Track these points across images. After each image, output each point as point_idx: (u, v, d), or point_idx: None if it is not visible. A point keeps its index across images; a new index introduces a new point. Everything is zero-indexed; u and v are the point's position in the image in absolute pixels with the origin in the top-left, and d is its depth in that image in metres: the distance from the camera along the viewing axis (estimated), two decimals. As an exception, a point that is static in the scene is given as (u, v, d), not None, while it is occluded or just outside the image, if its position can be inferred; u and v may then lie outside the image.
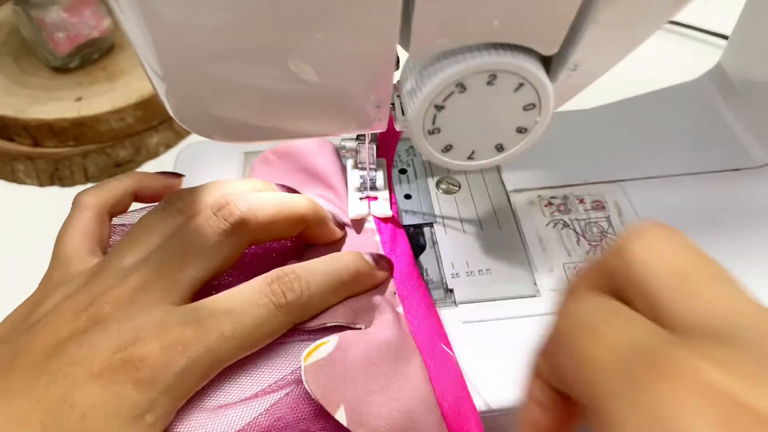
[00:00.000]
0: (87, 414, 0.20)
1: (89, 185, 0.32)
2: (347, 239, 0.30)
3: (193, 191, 0.27)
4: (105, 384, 0.21)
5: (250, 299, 0.24)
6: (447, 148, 0.22)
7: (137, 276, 0.23)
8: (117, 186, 0.28)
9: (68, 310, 0.23)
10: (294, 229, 0.27)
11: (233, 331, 0.23)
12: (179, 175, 0.31)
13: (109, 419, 0.21)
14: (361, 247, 0.29)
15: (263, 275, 0.24)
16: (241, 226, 0.25)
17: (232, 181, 0.28)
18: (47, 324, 0.23)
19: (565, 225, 0.34)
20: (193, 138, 0.48)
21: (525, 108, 0.21)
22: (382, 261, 0.28)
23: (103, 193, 0.28)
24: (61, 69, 0.49)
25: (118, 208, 0.28)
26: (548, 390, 0.19)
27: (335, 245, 0.29)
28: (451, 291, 0.30)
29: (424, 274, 0.31)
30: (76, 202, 0.28)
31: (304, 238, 0.29)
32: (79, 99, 0.47)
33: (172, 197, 0.27)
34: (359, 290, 0.27)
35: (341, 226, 0.30)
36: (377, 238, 0.30)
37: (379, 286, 0.28)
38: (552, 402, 0.19)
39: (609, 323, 0.16)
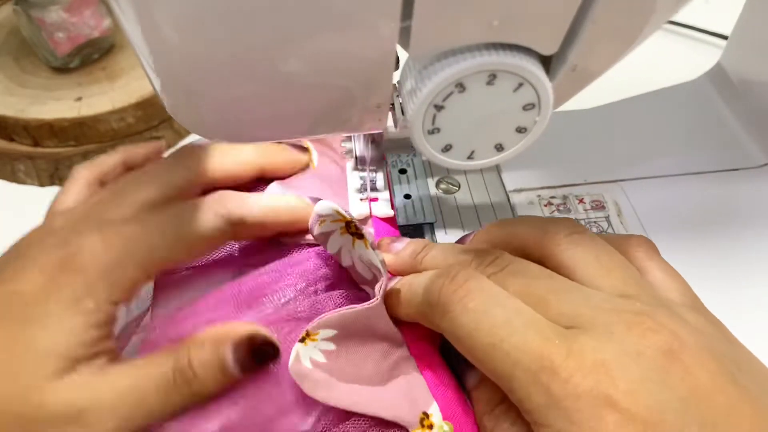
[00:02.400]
0: (29, 301, 0.22)
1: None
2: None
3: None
4: (47, 275, 0.22)
5: (192, 206, 0.25)
6: (447, 148, 0.22)
7: (96, 197, 0.26)
8: (107, 158, 0.30)
9: (32, 231, 0.26)
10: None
11: (175, 230, 0.24)
12: (159, 138, 0.33)
13: (49, 303, 0.22)
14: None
15: (209, 195, 0.26)
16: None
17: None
18: (16, 244, 0.25)
19: (565, 225, 0.34)
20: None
21: (524, 108, 0.21)
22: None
23: (95, 166, 0.30)
24: (61, 69, 0.49)
25: (109, 177, 0.30)
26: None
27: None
28: (451, 291, 0.30)
29: (424, 274, 0.31)
30: (71, 175, 0.29)
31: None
32: (79, 99, 0.47)
33: (186, 148, 0.29)
34: (297, 224, 0.27)
35: (303, 149, 0.31)
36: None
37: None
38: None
39: (510, 338, 0.20)
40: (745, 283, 0.31)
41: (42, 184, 0.47)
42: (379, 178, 0.31)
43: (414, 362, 0.25)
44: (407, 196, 0.35)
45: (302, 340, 0.23)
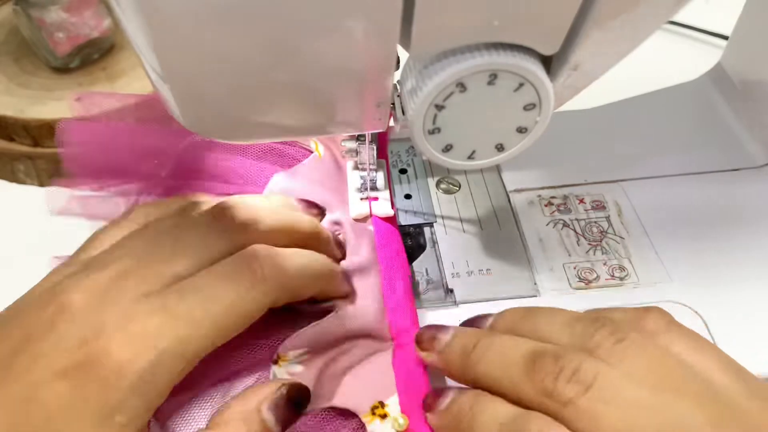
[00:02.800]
0: (52, 416, 0.19)
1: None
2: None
3: (209, 200, 0.27)
4: (69, 383, 0.19)
5: (223, 276, 0.22)
6: (447, 148, 0.22)
7: (116, 265, 0.22)
8: (172, 205, 0.27)
9: (43, 298, 0.22)
10: (294, 244, 0.26)
11: (207, 315, 0.21)
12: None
13: (75, 421, 0.19)
14: (357, 248, 0.29)
15: (238, 253, 0.23)
16: (240, 231, 0.24)
17: (250, 195, 0.28)
18: (21, 313, 0.22)
19: (565, 225, 0.34)
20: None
21: (525, 108, 0.21)
22: (341, 247, 0.29)
23: (158, 209, 0.27)
24: (61, 69, 0.49)
25: None
26: None
27: None
28: (451, 291, 0.30)
29: (425, 274, 0.31)
30: (129, 210, 0.27)
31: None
32: (78, 100, 0.47)
33: (188, 206, 0.26)
34: (327, 290, 0.26)
35: (340, 245, 0.30)
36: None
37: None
38: None
39: None
40: (745, 283, 0.31)
41: (42, 184, 0.47)
42: (379, 178, 0.31)
43: (390, 356, 0.25)
44: (407, 196, 0.35)
45: (275, 362, 0.24)
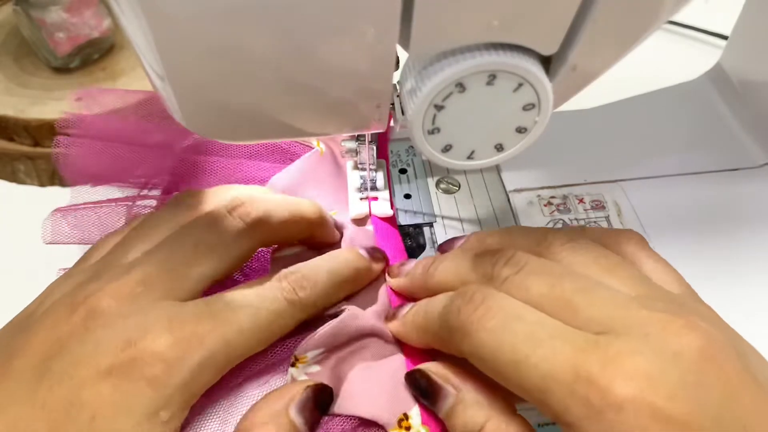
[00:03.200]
0: (96, 415, 0.19)
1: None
2: (346, 236, 0.30)
3: (204, 191, 0.27)
4: (114, 382, 0.20)
5: (265, 294, 0.23)
6: (447, 148, 0.22)
7: (141, 270, 0.22)
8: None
9: (65, 305, 0.22)
10: (302, 233, 0.28)
11: (251, 324, 0.22)
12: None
13: (120, 419, 0.19)
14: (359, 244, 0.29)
15: (271, 275, 0.24)
16: (256, 227, 0.25)
17: (246, 186, 0.29)
18: (44, 321, 0.22)
19: (565, 225, 0.34)
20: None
21: (524, 108, 0.21)
22: (376, 253, 0.28)
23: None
24: (61, 69, 0.49)
25: None
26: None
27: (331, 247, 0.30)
28: (451, 291, 0.30)
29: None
30: (133, 218, 0.27)
31: (308, 240, 0.29)
32: (79, 99, 0.47)
33: (181, 195, 0.27)
34: (360, 285, 0.27)
35: (338, 227, 0.30)
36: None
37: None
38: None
39: (535, 352, 0.19)
40: (745, 283, 0.31)
41: (42, 184, 0.47)
42: (379, 178, 0.31)
43: (404, 360, 0.25)
44: (407, 196, 0.35)
45: (293, 365, 0.24)
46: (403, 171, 0.37)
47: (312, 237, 0.28)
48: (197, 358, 0.21)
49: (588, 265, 0.22)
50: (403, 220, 0.34)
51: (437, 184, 0.36)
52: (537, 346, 0.19)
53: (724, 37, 0.52)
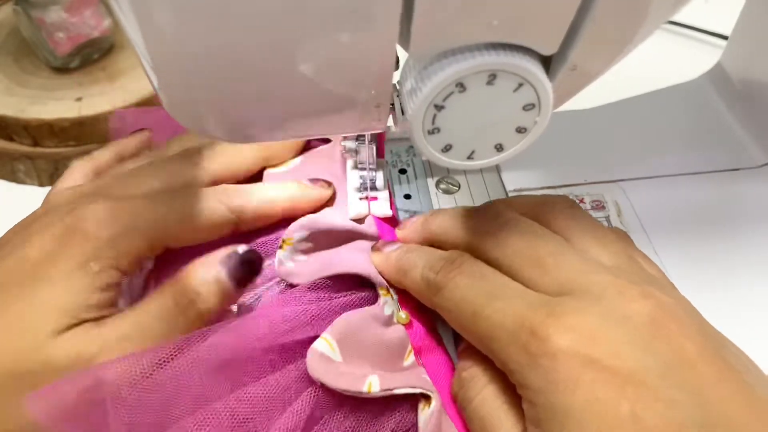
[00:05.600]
0: (39, 263, 0.23)
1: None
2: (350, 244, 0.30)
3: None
4: (57, 239, 0.24)
5: (201, 192, 0.26)
6: (447, 148, 0.22)
7: (104, 179, 0.28)
8: (102, 152, 0.31)
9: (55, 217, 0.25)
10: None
11: (182, 209, 0.25)
12: (143, 130, 0.34)
13: (57, 264, 0.23)
14: (360, 245, 0.29)
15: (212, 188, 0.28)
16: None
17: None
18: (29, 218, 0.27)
19: (565, 225, 0.34)
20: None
21: (524, 108, 0.21)
22: (319, 181, 0.30)
23: (91, 159, 0.31)
24: (61, 69, 0.49)
25: (102, 168, 0.31)
26: None
27: (339, 238, 0.30)
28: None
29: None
30: (68, 168, 0.30)
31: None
32: (79, 99, 0.47)
33: (189, 150, 0.30)
34: (298, 209, 0.29)
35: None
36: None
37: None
38: None
39: (489, 304, 0.21)
40: (745, 283, 0.31)
41: (42, 184, 0.47)
42: (379, 178, 0.31)
43: None
44: (407, 196, 0.35)
45: (280, 247, 0.27)
46: (403, 171, 0.37)
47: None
48: (126, 221, 0.24)
49: (584, 233, 0.24)
50: (403, 220, 0.34)
51: (437, 184, 0.36)
52: (494, 300, 0.21)
53: (724, 37, 0.52)
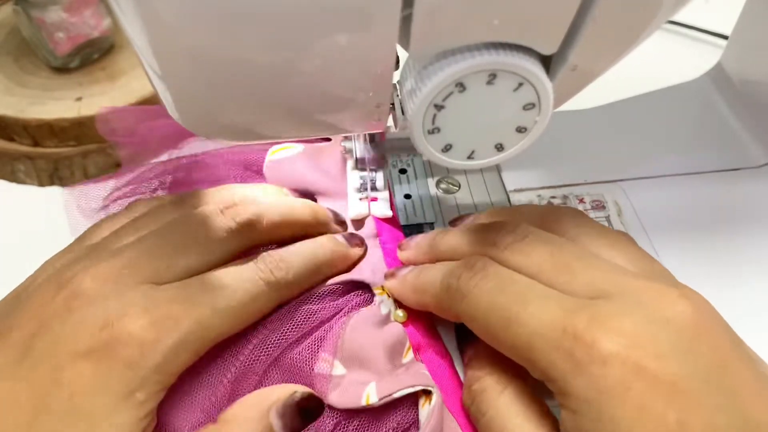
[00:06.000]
0: (75, 393, 0.20)
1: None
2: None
3: (206, 191, 0.28)
4: (93, 362, 0.20)
5: (240, 276, 0.24)
6: (447, 148, 0.22)
7: (128, 253, 0.23)
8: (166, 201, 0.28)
9: (51, 283, 0.22)
10: (294, 235, 0.28)
11: (226, 305, 0.23)
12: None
13: (97, 398, 0.20)
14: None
15: (248, 258, 0.25)
16: (246, 228, 0.25)
17: (244, 186, 0.29)
18: (31, 299, 0.22)
19: (565, 225, 0.34)
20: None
21: (525, 108, 0.21)
22: (354, 239, 0.29)
23: (158, 203, 0.28)
24: (61, 69, 0.49)
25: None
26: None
27: None
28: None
29: (424, 274, 0.31)
30: (130, 205, 0.28)
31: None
32: (79, 99, 0.47)
33: (186, 193, 0.28)
34: (337, 269, 0.28)
35: (342, 223, 0.30)
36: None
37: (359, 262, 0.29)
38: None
39: (524, 310, 0.20)
40: (745, 283, 0.31)
41: (42, 184, 0.47)
42: (379, 178, 0.31)
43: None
44: (407, 196, 0.35)
45: None
46: (403, 171, 0.37)
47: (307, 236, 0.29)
48: (172, 340, 0.21)
49: (593, 238, 0.23)
50: (403, 220, 0.34)
51: (437, 184, 0.36)
52: (528, 305, 0.20)
53: (725, 37, 0.52)
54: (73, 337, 0.21)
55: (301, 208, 0.28)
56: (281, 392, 0.23)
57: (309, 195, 0.32)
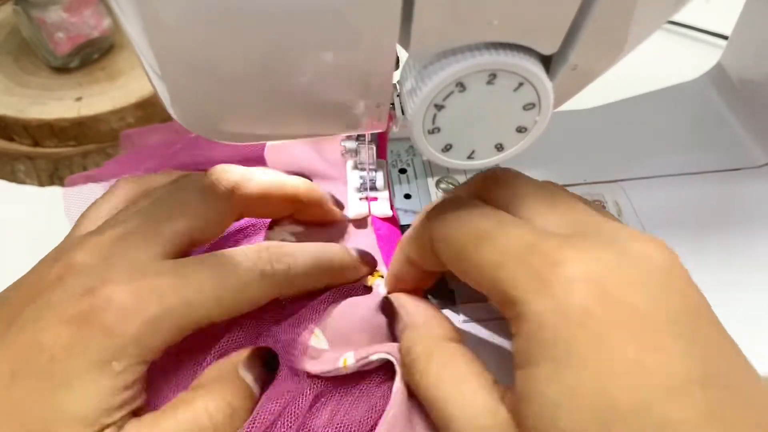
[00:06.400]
0: (54, 356, 0.20)
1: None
2: (346, 237, 0.30)
3: (202, 173, 0.28)
4: (73, 327, 0.20)
5: (237, 261, 0.23)
6: (447, 148, 0.22)
7: (119, 227, 0.23)
8: (156, 178, 0.28)
9: (47, 261, 0.23)
10: (285, 207, 0.28)
11: (215, 286, 0.22)
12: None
13: (74, 362, 0.20)
14: (358, 245, 0.29)
15: (254, 244, 0.25)
16: (230, 190, 0.25)
17: (241, 167, 0.29)
18: (27, 276, 0.23)
19: (565, 225, 0.34)
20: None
21: (525, 107, 0.21)
22: (366, 257, 0.28)
23: (141, 181, 0.28)
24: (61, 69, 0.49)
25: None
26: (414, 269, 0.25)
27: (334, 230, 0.30)
28: (452, 291, 0.30)
29: (424, 274, 0.31)
30: (113, 186, 0.28)
31: (302, 217, 0.29)
32: (79, 99, 0.47)
33: (183, 175, 0.28)
34: (341, 280, 0.27)
35: (340, 205, 0.30)
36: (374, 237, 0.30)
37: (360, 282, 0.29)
38: (415, 275, 0.25)
39: (499, 230, 0.20)
40: (746, 283, 0.31)
41: (42, 184, 0.47)
42: (379, 178, 0.31)
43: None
44: (407, 196, 0.35)
45: (271, 227, 0.27)
46: (403, 171, 0.37)
47: (302, 214, 0.29)
48: (152, 312, 0.21)
49: (546, 197, 0.23)
50: (403, 220, 0.34)
51: (437, 184, 0.36)
52: (502, 227, 0.20)
53: (725, 37, 0.52)
54: (58, 304, 0.21)
55: (295, 180, 0.28)
56: (241, 352, 0.23)
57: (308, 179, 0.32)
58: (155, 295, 0.21)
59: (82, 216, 0.27)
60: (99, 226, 0.25)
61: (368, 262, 0.28)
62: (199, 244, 0.25)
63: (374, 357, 0.23)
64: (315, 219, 0.29)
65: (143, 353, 0.21)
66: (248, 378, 0.23)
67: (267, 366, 0.24)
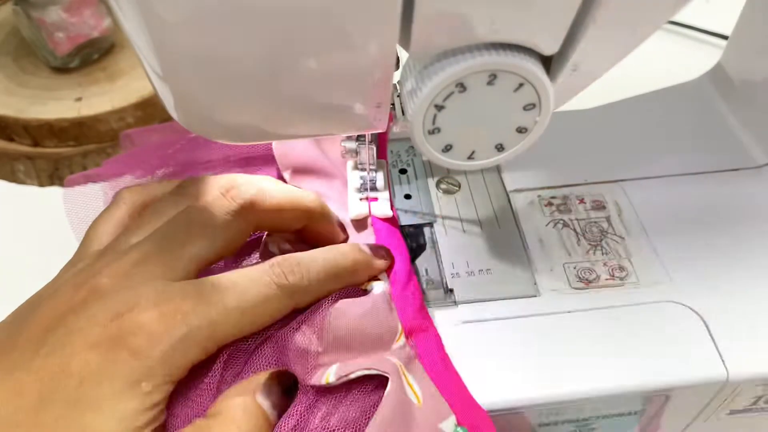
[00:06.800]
0: (83, 381, 0.20)
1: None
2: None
3: (206, 177, 0.28)
4: (101, 352, 0.21)
5: (253, 277, 0.24)
6: (447, 148, 0.22)
7: (138, 250, 0.24)
8: (158, 187, 0.28)
9: (69, 285, 0.23)
10: (298, 221, 0.28)
11: (237, 304, 0.23)
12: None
13: (103, 385, 0.20)
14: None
15: (265, 261, 0.25)
16: (248, 208, 0.25)
17: (247, 175, 0.29)
18: (49, 300, 0.23)
19: (565, 225, 0.34)
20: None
21: (525, 108, 0.21)
22: (380, 250, 0.28)
23: (144, 191, 0.28)
24: (61, 69, 0.49)
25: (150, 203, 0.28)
26: None
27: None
28: (451, 291, 0.30)
29: (424, 274, 0.31)
30: (116, 196, 0.28)
31: (307, 234, 0.29)
32: (79, 99, 0.47)
33: (185, 182, 0.27)
34: (358, 279, 0.27)
35: (343, 228, 0.30)
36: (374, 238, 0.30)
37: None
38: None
39: None
40: (746, 283, 0.31)
41: (42, 184, 0.47)
42: (379, 178, 0.31)
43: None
44: (407, 196, 0.35)
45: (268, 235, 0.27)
46: (403, 171, 0.37)
47: (310, 229, 0.29)
48: (180, 333, 0.21)
49: None
50: (403, 220, 0.34)
51: (437, 184, 0.36)
52: None
53: (725, 37, 0.52)
54: (85, 329, 0.21)
55: (306, 193, 0.28)
56: (259, 377, 0.23)
57: (308, 174, 0.32)
58: (181, 317, 0.22)
59: (91, 229, 0.27)
60: (114, 243, 0.25)
61: (383, 255, 0.28)
62: (216, 262, 0.25)
63: (354, 376, 0.23)
64: (321, 235, 0.29)
65: (171, 372, 0.21)
66: (265, 405, 0.23)
67: (286, 392, 0.24)
